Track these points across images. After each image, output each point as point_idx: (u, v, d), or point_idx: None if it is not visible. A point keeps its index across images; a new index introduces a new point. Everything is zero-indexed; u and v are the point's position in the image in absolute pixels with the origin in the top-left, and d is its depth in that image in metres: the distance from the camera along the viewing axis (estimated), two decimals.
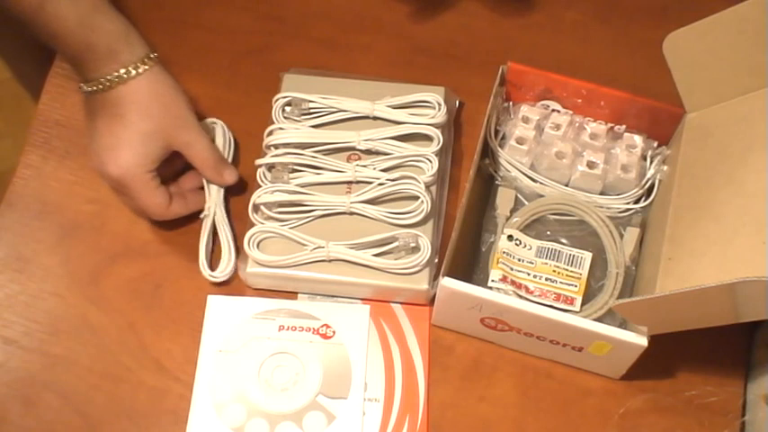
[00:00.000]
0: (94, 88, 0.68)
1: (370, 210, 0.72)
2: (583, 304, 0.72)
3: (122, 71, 0.67)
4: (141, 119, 0.68)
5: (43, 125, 0.80)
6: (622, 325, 0.67)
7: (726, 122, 0.71)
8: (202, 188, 0.75)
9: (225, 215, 0.75)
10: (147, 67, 0.68)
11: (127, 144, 0.68)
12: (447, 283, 0.66)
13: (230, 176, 0.74)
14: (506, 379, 0.71)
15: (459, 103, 0.81)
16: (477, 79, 0.79)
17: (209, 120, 0.78)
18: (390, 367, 0.72)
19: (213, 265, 0.74)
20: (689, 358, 0.71)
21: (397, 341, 0.72)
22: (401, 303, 0.74)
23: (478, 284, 0.67)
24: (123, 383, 0.70)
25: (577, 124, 0.77)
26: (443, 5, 0.88)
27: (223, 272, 0.73)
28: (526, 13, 0.88)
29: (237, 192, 0.77)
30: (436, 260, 0.72)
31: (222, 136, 0.77)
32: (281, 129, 0.76)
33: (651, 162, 0.76)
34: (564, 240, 0.75)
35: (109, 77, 0.67)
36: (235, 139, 0.78)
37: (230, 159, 0.77)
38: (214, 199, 0.75)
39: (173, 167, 0.74)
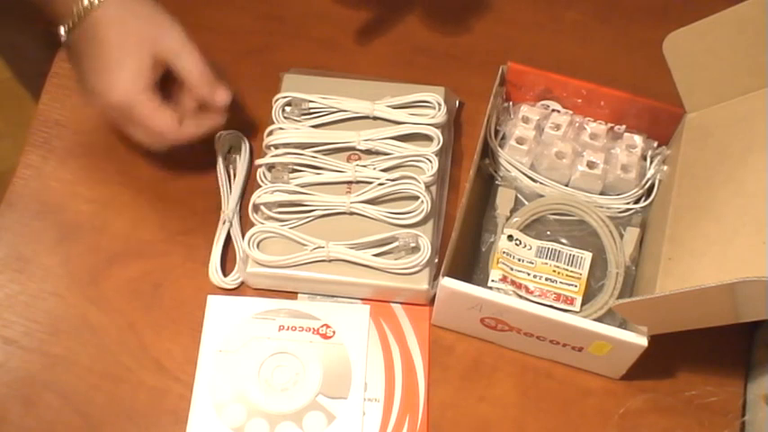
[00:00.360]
0: (70, 23, 0.66)
1: (370, 210, 0.72)
2: (583, 304, 0.72)
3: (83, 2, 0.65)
4: (123, 37, 0.67)
5: (43, 125, 0.80)
6: (622, 325, 0.67)
7: (726, 122, 0.71)
8: (206, 108, 0.72)
9: (239, 223, 0.75)
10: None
11: (116, 65, 0.67)
12: (447, 283, 0.66)
13: (224, 94, 0.71)
14: (506, 379, 0.71)
15: (459, 103, 0.81)
16: (477, 79, 0.79)
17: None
18: (390, 367, 0.72)
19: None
20: (689, 358, 0.71)
21: (397, 341, 0.72)
22: (401, 303, 0.74)
23: (478, 284, 0.67)
24: (123, 383, 0.70)
25: (577, 124, 0.77)
26: (443, 6, 0.88)
27: (235, 279, 0.73)
28: (526, 13, 0.88)
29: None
30: (436, 260, 0.72)
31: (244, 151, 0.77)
32: (281, 129, 0.76)
33: (651, 162, 0.76)
34: (564, 240, 0.75)
35: (81, 7, 0.65)
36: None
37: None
38: (232, 207, 0.75)
39: (173, 95, 0.72)
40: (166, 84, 0.71)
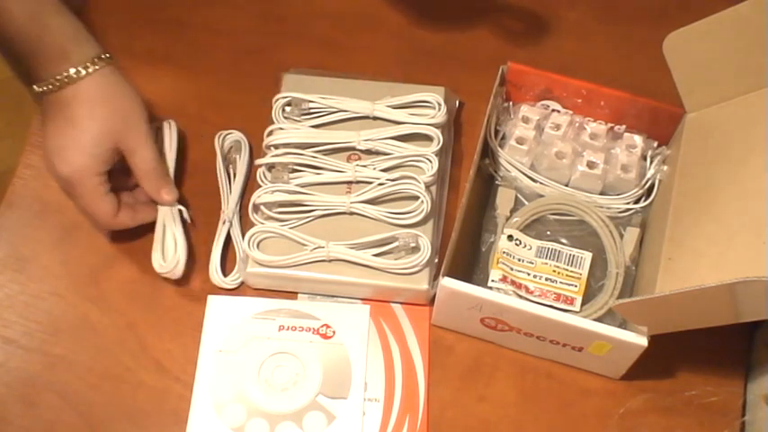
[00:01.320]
0: (45, 89, 0.67)
1: (370, 210, 0.72)
2: (583, 304, 0.72)
3: (72, 71, 0.67)
4: (90, 121, 0.68)
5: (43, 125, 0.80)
6: (622, 325, 0.67)
7: (726, 122, 0.71)
8: (155, 202, 0.74)
9: (239, 223, 0.75)
10: (97, 67, 0.68)
11: (75, 145, 0.68)
12: (447, 283, 0.66)
13: (168, 195, 0.73)
14: (506, 379, 0.71)
15: (459, 103, 0.81)
16: (477, 79, 0.79)
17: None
18: (390, 367, 0.72)
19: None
20: (689, 358, 0.71)
21: (397, 341, 0.72)
22: (401, 303, 0.74)
23: (478, 284, 0.67)
24: (123, 383, 0.70)
25: (577, 124, 0.77)
26: (444, 6, 0.88)
27: (235, 279, 0.73)
28: (526, 13, 0.88)
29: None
30: (436, 260, 0.72)
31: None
32: (281, 129, 0.76)
33: (651, 162, 0.76)
34: (564, 240, 0.75)
35: (59, 77, 0.67)
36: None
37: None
38: (232, 207, 0.75)
39: (132, 178, 0.73)
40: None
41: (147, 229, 0.75)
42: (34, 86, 0.68)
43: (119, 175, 0.72)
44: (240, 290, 0.74)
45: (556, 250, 0.73)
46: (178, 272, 0.72)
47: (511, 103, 0.79)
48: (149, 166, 0.71)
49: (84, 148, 0.68)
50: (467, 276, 0.69)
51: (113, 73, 0.69)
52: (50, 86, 0.67)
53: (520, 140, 0.76)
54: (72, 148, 0.68)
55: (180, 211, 0.74)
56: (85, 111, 0.68)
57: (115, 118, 0.69)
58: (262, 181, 0.74)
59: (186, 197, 0.77)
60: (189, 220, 0.75)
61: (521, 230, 0.74)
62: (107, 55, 0.69)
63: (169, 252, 0.72)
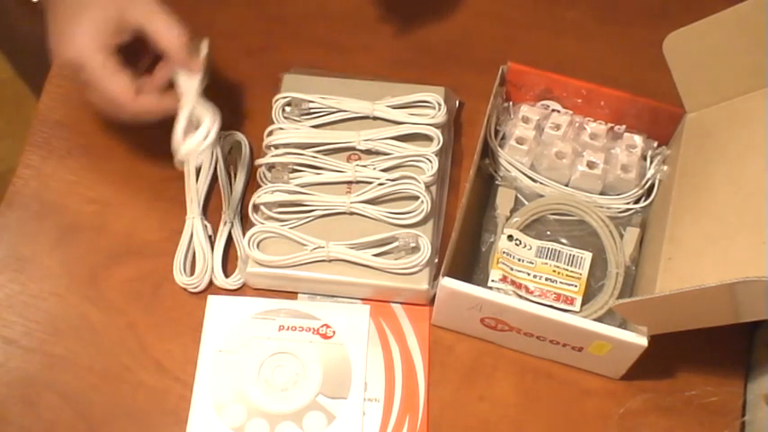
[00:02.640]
0: None
1: (370, 210, 0.72)
2: (583, 304, 0.72)
3: None
4: None
5: (43, 125, 0.80)
6: (622, 325, 0.67)
7: (726, 122, 0.71)
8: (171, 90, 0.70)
9: (240, 223, 0.75)
10: None
11: (77, 23, 0.65)
12: (447, 283, 0.66)
13: (197, 63, 0.69)
14: (506, 379, 0.71)
15: (459, 103, 0.81)
16: (477, 79, 0.79)
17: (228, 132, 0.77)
18: (390, 367, 0.72)
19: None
20: (689, 358, 0.71)
21: (397, 341, 0.72)
22: (401, 303, 0.74)
23: (478, 284, 0.67)
24: (123, 383, 0.70)
25: (577, 124, 0.77)
26: (444, 5, 0.88)
27: (237, 280, 0.73)
28: (526, 13, 0.88)
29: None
30: (436, 260, 0.72)
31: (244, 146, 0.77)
32: (281, 129, 0.76)
33: (651, 162, 0.76)
34: (564, 240, 0.75)
35: None
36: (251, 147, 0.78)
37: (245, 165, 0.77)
38: (233, 207, 0.75)
39: (144, 63, 0.70)
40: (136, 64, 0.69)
41: (148, 228, 0.75)
42: None
43: (131, 66, 0.67)
44: (240, 290, 0.74)
45: (556, 250, 0.73)
46: (203, 285, 0.73)
47: (511, 103, 0.79)
48: (172, 28, 0.66)
49: (86, 23, 0.64)
50: (467, 276, 0.69)
51: None
52: None
53: (520, 140, 0.76)
54: (73, 26, 0.65)
55: (205, 226, 0.74)
56: None
57: None
58: (262, 181, 0.74)
59: (186, 197, 0.77)
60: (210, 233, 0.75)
61: (521, 230, 0.74)
62: None
63: (198, 265, 0.73)
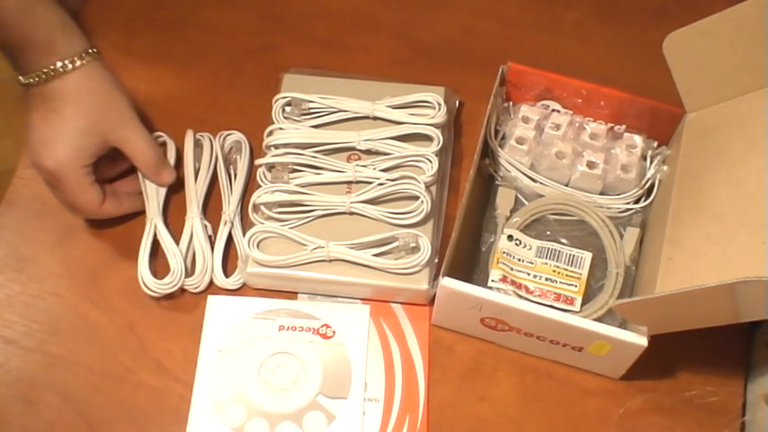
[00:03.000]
0: (31, 81, 0.67)
1: (370, 210, 0.72)
2: (583, 304, 0.72)
3: (59, 64, 0.67)
4: (77, 113, 0.68)
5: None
6: (622, 325, 0.67)
7: (726, 122, 0.71)
8: (140, 193, 0.75)
9: (240, 223, 0.75)
10: (84, 61, 0.68)
11: (62, 138, 0.68)
12: (447, 283, 0.66)
13: (168, 176, 0.74)
14: (506, 379, 0.71)
15: (459, 103, 0.81)
16: (477, 79, 0.79)
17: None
18: (390, 367, 0.72)
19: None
20: (689, 358, 0.71)
21: (397, 341, 0.72)
22: (401, 303, 0.74)
23: (478, 284, 0.67)
24: (123, 383, 0.70)
25: (577, 124, 0.77)
26: (444, 5, 0.88)
27: (238, 280, 0.73)
28: (526, 13, 0.88)
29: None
30: (436, 260, 0.72)
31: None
32: (281, 129, 0.76)
33: (651, 162, 0.76)
34: (564, 240, 0.75)
35: (45, 70, 0.67)
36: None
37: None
38: (233, 207, 0.75)
39: (117, 168, 0.74)
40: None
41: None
42: (20, 78, 0.68)
43: (102, 166, 0.72)
44: (240, 290, 0.74)
45: (556, 250, 0.73)
46: (203, 285, 0.73)
47: (511, 103, 0.79)
48: (146, 152, 0.72)
49: (71, 142, 0.68)
50: (467, 276, 0.69)
51: (100, 67, 0.69)
52: (37, 79, 0.67)
53: (520, 140, 0.76)
54: (57, 140, 0.68)
55: (205, 226, 0.74)
56: (72, 105, 0.68)
57: (102, 110, 0.69)
58: (262, 181, 0.74)
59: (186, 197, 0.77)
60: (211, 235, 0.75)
61: (521, 230, 0.74)
62: (94, 50, 0.69)
63: (198, 265, 0.73)
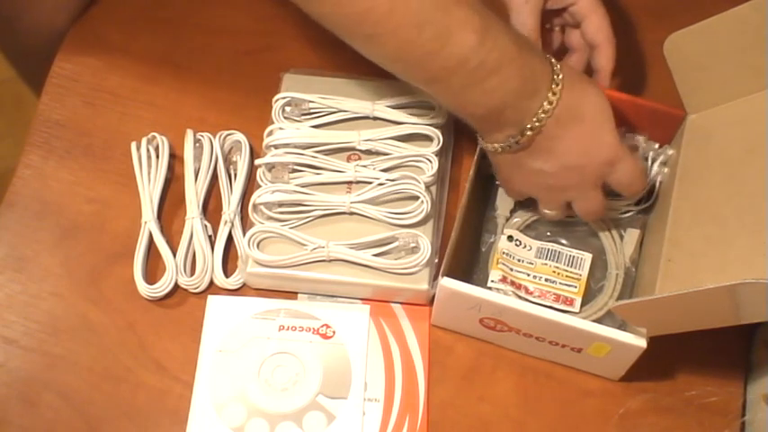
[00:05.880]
0: (525, 134, 0.61)
1: (371, 210, 0.72)
2: (582, 305, 0.72)
3: (546, 104, 0.60)
4: (594, 107, 0.63)
5: (43, 125, 0.80)
6: (622, 326, 0.67)
7: (727, 124, 0.71)
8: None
9: (240, 223, 0.75)
10: (560, 85, 0.61)
11: (601, 129, 0.64)
12: (447, 283, 0.66)
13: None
14: (506, 379, 0.71)
15: None
16: None
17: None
18: (390, 367, 0.72)
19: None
20: (689, 358, 0.71)
21: (397, 341, 0.73)
22: (401, 303, 0.74)
23: (478, 285, 0.67)
24: (123, 383, 0.70)
25: None
26: None
27: (238, 280, 0.73)
28: None
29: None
30: (436, 260, 0.72)
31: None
32: (281, 129, 0.76)
33: (653, 163, 0.76)
34: (564, 241, 0.75)
35: (537, 116, 0.60)
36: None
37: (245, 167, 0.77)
38: (233, 207, 0.75)
39: None
40: None
41: None
42: (508, 140, 0.62)
43: None
44: (240, 290, 0.74)
45: (556, 251, 0.73)
46: (203, 285, 0.73)
47: None
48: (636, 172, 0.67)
49: (609, 128, 0.64)
50: (466, 276, 0.69)
51: (573, 74, 0.63)
52: (529, 131, 0.61)
53: None
54: (600, 134, 0.64)
55: (205, 226, 0.74)
56: (589, 122, 0.62)
57: (595, 130, 0.64)
58: (262, 181, 0.74)
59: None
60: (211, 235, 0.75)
61: (521, 231, 0.74)
62: (555, 61, 0.62)
63: (198, 265, 0.73)
